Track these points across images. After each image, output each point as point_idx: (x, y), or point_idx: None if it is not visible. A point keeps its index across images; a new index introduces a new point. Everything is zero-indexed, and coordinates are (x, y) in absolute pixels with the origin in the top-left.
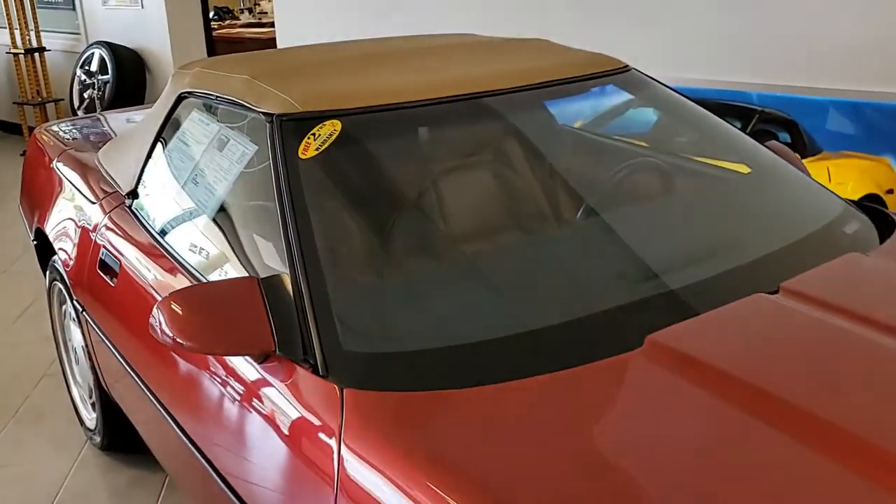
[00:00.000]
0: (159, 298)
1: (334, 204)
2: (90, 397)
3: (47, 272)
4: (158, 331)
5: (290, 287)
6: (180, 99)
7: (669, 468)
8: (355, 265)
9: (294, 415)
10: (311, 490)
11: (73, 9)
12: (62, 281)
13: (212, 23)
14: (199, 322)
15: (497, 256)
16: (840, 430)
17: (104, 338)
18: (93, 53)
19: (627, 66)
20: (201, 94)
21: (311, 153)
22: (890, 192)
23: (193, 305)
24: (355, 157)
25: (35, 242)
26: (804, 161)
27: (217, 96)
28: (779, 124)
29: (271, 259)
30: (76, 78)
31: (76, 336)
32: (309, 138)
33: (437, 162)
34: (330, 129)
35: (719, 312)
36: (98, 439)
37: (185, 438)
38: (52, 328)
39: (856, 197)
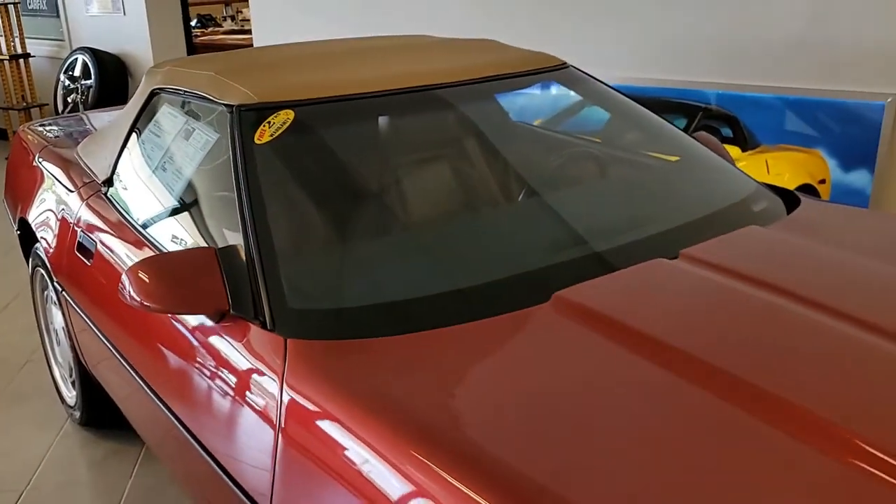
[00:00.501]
0: None
1: (285, 183)
2: (70, 376)
3: (30, 259)
4: (127, 295)
5: (243, 256)
6: (153, 95)
7: (567, 399)
8: (301, 236)
9: (246, 365)
10: (258, 427)
11: (58, 16)
12: (44, 266)
13: (195, 30)
14: (162, 286)
15: (427, 227)
16: (722, 371)
17: (82, 314)
18: (76, 59)
19: (565, 63)
20: (171, 90)
21: (266, 139)
22: (822, 182)
23: (157, 272)
24: (306, 143)
25: (19, 232)
26: (745, 154)
27: (185, 91)
28: (721, 120)
29: (228, 232)
30: (60, 83)
31: (57, 319)
32: (264, 126)
33: (380, 146)
34: (283, 118)
35: (620, 273)
36: (78, 415)
37: (154, 398)
38: (35, 312)
39: (792, 186)
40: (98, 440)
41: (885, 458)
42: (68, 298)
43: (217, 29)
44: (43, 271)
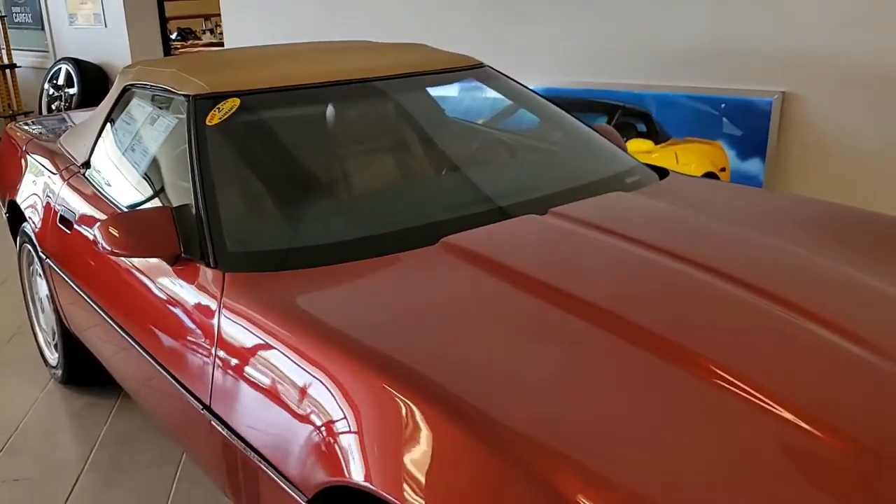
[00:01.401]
0: None
1: (229, 155)
2: (53, 339)
3: (18, 238)
4: (99, 244)
5: (193, 212)
6: (125, 90)
7: (442, 309)
8: (239, 197)
9: (194, 295)
10: (202, 339)
11: (42, 29)
12: (30, 242)
13: (176, 42)
14: (128, 236)
15: (342, 190)
16: (566, 294)
17: (64, 276)
18: (60, 68)
19: (482, 63)
20: (141, 85)
21: (216, 121)
22: (723, 169)
23: (124, 225)
24: (248, 124)
25: (7, 215)
26: (658, 146)
27: (152, 86)
28: (636, 117)
29: (183, 195)
30: (45, 91)
31: (42, 289)
32: (215, 111)
33: (309, 126)
34: (231, 105)
35: (495, 224)
36: (59, 373)
37: (123, 334)
38: (22, 285)
39: (698, 174)
40: (77, 395)
41: (723, 372)
42: (52, 265)
43: (196, 42)
44: (30, 247)
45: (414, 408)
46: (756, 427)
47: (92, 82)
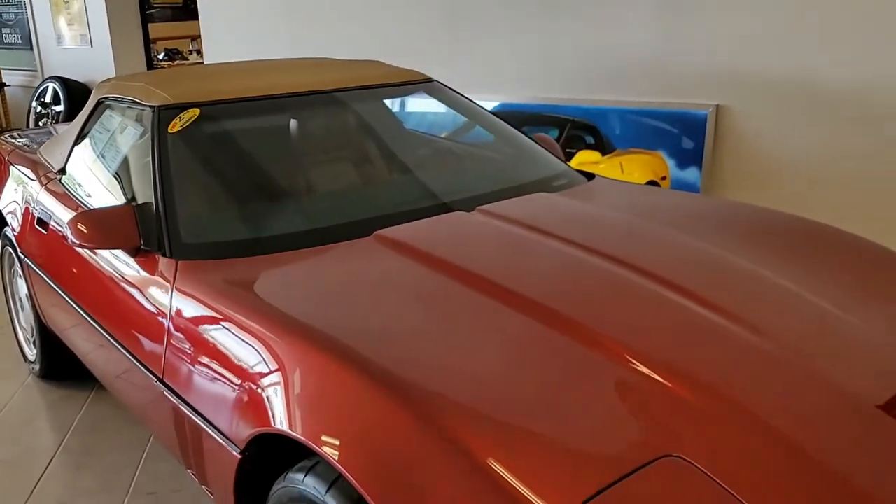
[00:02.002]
0: None
1: (187, 159)
2: (32, 336)
3: (0, 242)
4: (70, 238)
5: (153, 209)
6: (99, 103)
7: (372, 288)
8: (195, 195)
9: (151, 282)
10: (157, 319)
11: (31, 49)
12: (11, 245)
13: (162, 62)
14: (93, 230)
15: (287, 190)
16: (481, 277)
17: (41, 273)
18: (47, 87)
19: (431, 78)
20: (113, 98)
21: (177, 129)
22: (664, 178)
23: (91, 221)
24: (206, 131)
25: None
26: (603, 157)
27: (122, 98)
28: (585, 130)
29: (145, 195)
30: (32, 109)
31: (22, 289)
32: (176, 120)
33: (262, 134)
34: (191, 114)
35: (425, 220)
36: (37, 367)
37: (92, 321)
38: (3, 286)
39: (641, 182)
40: (54, 388)
41: (612, 344)
42: (30, 265)
43: (183, 62)
44: (11, 249)
45: (327, 367)
46: (623, 379)
47: (78, 100)
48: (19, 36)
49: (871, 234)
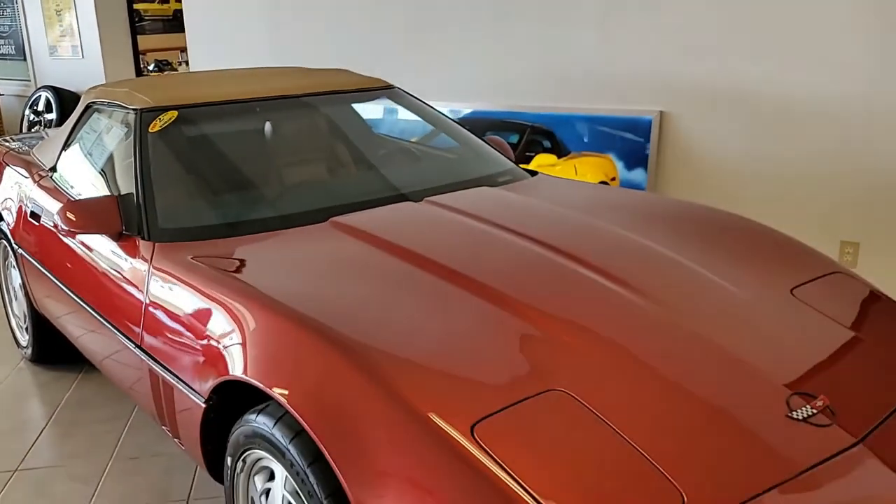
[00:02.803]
0: None
1: (165, 155)
2: (24, 323)
3: None
4: (59, 224)
5: (134, 199)
6: (88, 107)
7: (326, 266)
8: (171, 186)
9: (131, 261)
10: (136, 294)
11: (25, 60)
12: (6, 238)
13: (152, 73)
14: (80, 218)
15: (255, 181)
16: (418, 255)
17: (34, 262)
18: (40, 96)
19: (392, 85)
20: (100, 102)
21: (157, 129)
22: (613, 179)
23: (78, 209)
24: (184, 131)
25: None
26: (559, 160)
27: (108, 102)
28: (542, 135)
29: (127, 187)
30: (25, 117)
31: (16, 279)
32: (156, 121)
33: (234, 133)
34: (170, 116)
35: (376, 209)
36: (29, 351)
37: (81, 302)
38: None
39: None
40: (44, 371)
41: (519, 305)
42: (24, 254)
43: (172, 73)
44: (5, 242)
45: (278, 326)
46: (525, 332)
47: (69, 108)
48: (13, 47)
49: (789, 225)
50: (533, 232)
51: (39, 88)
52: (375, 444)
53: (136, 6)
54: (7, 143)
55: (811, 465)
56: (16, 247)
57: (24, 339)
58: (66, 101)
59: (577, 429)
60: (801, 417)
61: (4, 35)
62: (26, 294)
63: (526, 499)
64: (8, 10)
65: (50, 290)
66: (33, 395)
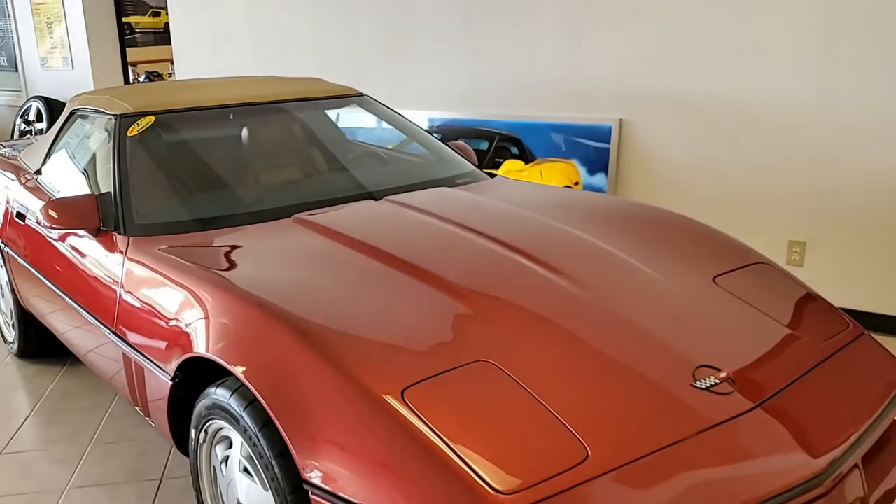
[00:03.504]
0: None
1: (142, 158)
2: (11, 319)
3: None
4: (42, 221)
5: (112, 198)
6: (72, 113)
7: (289, 256)
8: (146, 186)
9: (108, 255)
10: (111, 284)
11: (16, 70)
12: None
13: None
14: (61, 215)
15: (225, 182)
16: (371, 246)
17: (19, 259)
18: (31, 106)
19: (362, 93)
20: (84, 109)
21: (135, 133)
22: (577, 183)
23: (59, 207)
24: (160, 135)
25: None
26: (526, 165)
27: (91, 108)
28: (510, 142)
29: (106, 186)
30: (16, 126)
31: (2, 277)
32: (134, 126)
33: (208, 137)
34: (147, 120)
35: (337, 207)
36: (15, 346)
37: (62, 294)
38: None
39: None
40: (30, 365)
41: (456, 288)
42: (10, 253)
43: (155, 82)
44: None
45: (236, 308)
46: (460, 312)
47: (59, 118)
48: (5, 59)
49: (739, 225)
50: (478, 226)
51: (30, 99)
52: (317, 409)
53: (126, 19)
54: None
55: (708, 426)
56: (2, 246)
57: (11, 334)
58: (56, 111)
59: (499, 394)
60: (703, 386)
61: None
62: (13, 291)
63: (448, 454)
64: (0, 21)
65: (35, 286)
66: (18, 388)
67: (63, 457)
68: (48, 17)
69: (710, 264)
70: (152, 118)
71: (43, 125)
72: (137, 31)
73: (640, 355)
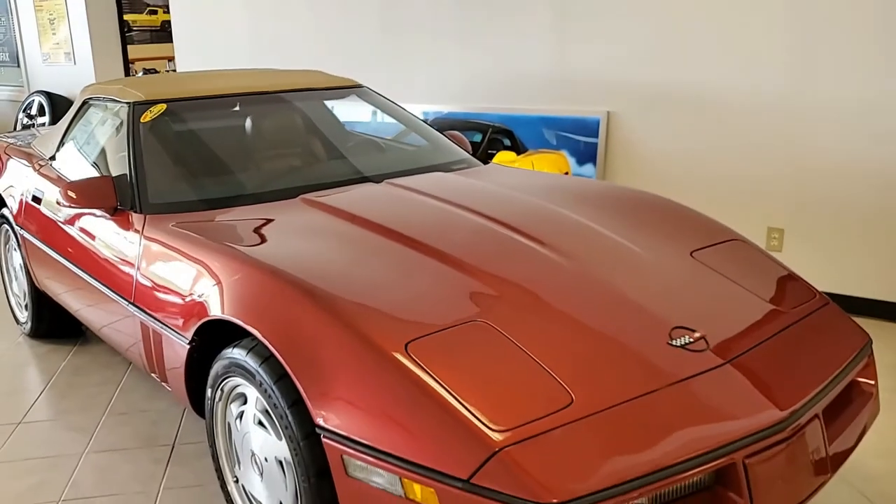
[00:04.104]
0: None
1: (154, 142)
2: (24, 301)
3: None
4: (61, 201)
5: (128, 179)
6: (84, 102)
7: (297, 232)
8: (160, 168)
9: (125, 233)
10: (129, 260)
11: (18, 66)
12: (8, 223)
13: None
14: (80, 195)
15: (236, 164)
16: (372, 222)
17: (37, 241)
18: (33, 100)
19: (362, 84)
20: (96, 98)
21: (148, 119)
22: (566, 173)
23: (78, 187)
24: (172, 121)
25: None
26: (518, 156)
27: (104, 97)
28: (503, 134)
29: (121, 169)
30: (19, 120)
31: (16, 260)
32: (147, 113)
33: (217, 123)
34: (159, 108)
35: (341, 189)
36: (28, 326)
37: (79, 271)
38: None
39: None
40: (42, 344)
41: (455, 260)
42: (26, 235)
43: (161, 73)
44: (7, 227)
45: (249, 273)
46: (459, 282)
47: (61, 112)
48: (7, 54)
49: (720, 212)
50: (473, 205)
51: (33, 93)
52: (328, 361)
53: (124, 17)
54: (5, 139)
55: (682, 377)
56: (18, 230)
57: (23, 315)
58: (58, 105)
59: (493, 349)
60: (678, 344)
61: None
62: (27, 273)
63: (449, 398)
64: (3, 19)
65: (52, 266)
66: (32, 365)
67: (79, 426)
68: (51, 14)
69: (689, 240)
70: (164, 105)
71: (45, 119)
72: (135, 28)
73: (620, 317)
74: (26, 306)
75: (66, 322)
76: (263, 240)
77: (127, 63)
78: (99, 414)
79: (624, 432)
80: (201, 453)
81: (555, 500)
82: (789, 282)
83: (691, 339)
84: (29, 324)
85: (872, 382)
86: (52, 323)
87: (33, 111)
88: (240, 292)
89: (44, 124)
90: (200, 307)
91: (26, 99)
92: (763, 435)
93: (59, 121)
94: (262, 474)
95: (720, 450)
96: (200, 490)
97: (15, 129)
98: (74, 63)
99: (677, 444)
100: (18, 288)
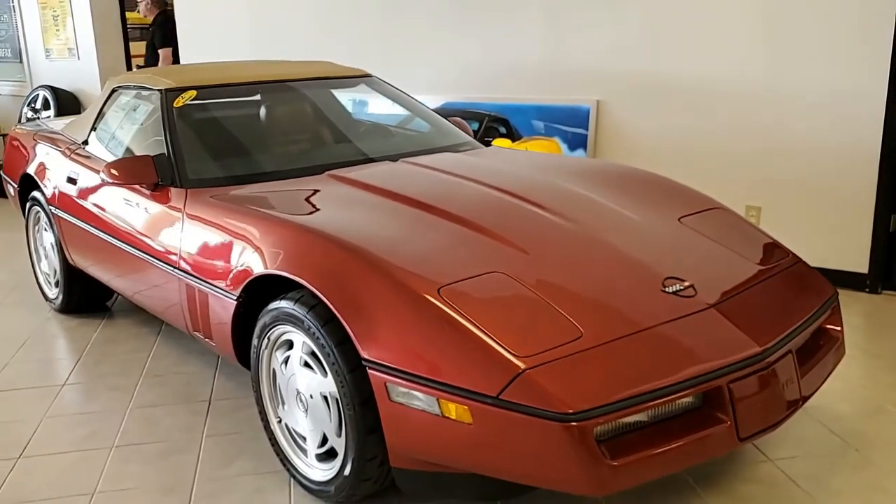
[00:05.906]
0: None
1: (188, 125)
2: (53, 278)
3: (27, 205)
4: (104, 179)
5: (166, 158)
6: (113, 91)
7: (327, 203)
8: (196, 148)
9: (167, 208)
10: (173, 231)
11: (21, 62)
12: (39, 204)
13: None
14: (122, 172)
15: (266, 144)
16: (395, 193)
17: (71, 219)
18: (38, 94)
19: (371, 74)
20: (125, 86)
21: (181, 104)
22: None
23: (121, 165)
24: (202, 106)
25: (19, 189)
26: (513, 143)
27: (134, 85)
28: (499, 122)
29: (156, 150)
30: (23, 114)
31: (47, 239)
32: (179, 98)
33: (243, 107)
34: (191, 94)
35: (363, 166)
36: (59, 302)
37: (121, 245)
38: (27, 240)
39: None
40: (72, 318)
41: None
42: (60, 215)
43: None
44: (39, 208)
45: (291, 233)
46: (477, 241)
47: (65, 106)
48: (10, 50)
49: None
50: (483, 179)
51: (37, 88)
52: (370, 304)
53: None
54: (27, 127)
55: (675, 317)
56: (53, 210)
57: (52, 293)
58: (62, 99)
59: (512, 294)
60: (670, 291)
61: (1, 38)
62: (60, 251)
63: (477, 332)
64: (5, 15)
65: (87, 242)
66: (64, 337)
67: (119, 386)
68: (54, 11)
69: (676, 208)
70: (194, 92)
71: (50, 112)
72: (131, 26)
73: (619, 268)
74: (56, 283)
75: (95, 297)
76: (300, 207)
77: (130, 59)
78: (136, 376)
79: (626, 360)
80: (236, 408)
81: (570, 411)
82: (766, 244)
83: (682, 287)
84: (60, 299)
85: (839, 328)
86: (82, 298)
87: (38, 105)
88: (287, 250)
89: (48, 117)
90: (247, 267)
91: (31, 93)
92: (744, 364)
93: (63, 114)
94: (307, 410)
95: (708, 374)
96: (239, 436)
97: (20, 122)
98: (78, 58)
99: (672, 369)
100: (48, 266)
